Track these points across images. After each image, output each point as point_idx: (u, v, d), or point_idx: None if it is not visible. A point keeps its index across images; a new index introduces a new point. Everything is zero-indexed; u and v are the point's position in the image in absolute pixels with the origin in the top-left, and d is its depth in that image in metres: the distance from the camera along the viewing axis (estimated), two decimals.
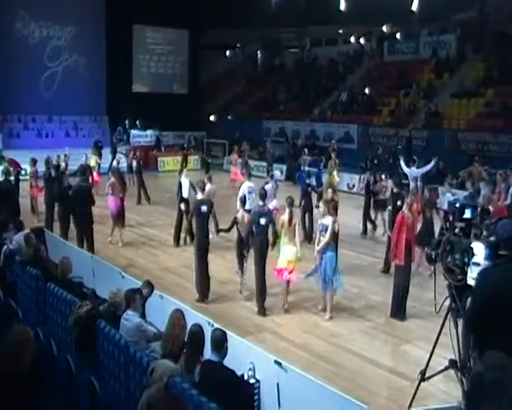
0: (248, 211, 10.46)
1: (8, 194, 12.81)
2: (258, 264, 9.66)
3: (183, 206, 13.46)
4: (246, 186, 12.82)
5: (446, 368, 5.68)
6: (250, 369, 5.83)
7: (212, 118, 35.05)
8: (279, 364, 5.84)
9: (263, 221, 9.62)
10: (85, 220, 11.95)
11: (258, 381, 5.95)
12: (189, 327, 5.59)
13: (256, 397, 5.93)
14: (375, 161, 20.61)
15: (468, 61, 26.45)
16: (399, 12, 28.32)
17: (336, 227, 9.70)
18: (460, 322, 5.55)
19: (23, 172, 17.18)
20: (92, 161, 19.48)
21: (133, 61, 31.97)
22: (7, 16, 26.46)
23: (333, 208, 10.32)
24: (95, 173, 18.78)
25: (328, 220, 9.49)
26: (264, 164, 25.47)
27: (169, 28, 32.78)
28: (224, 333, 5.30)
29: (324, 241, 9.39)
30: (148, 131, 28.78)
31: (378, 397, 7.06)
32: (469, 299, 5.15)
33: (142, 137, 29.02)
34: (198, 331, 5.43)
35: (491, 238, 4.93)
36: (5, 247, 8.67)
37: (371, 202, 14.92)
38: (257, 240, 9.67)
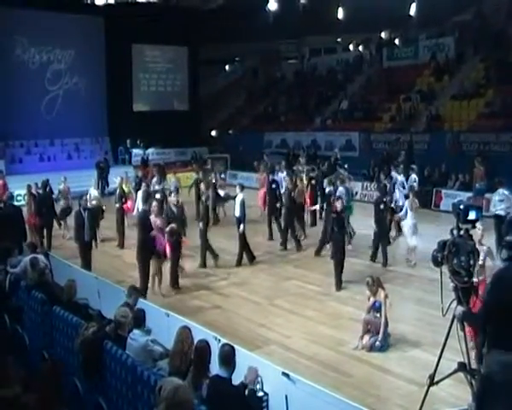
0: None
1: (13, 219, 12.79)
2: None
3: (241, 227, 13.29)
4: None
5: (455, 371, 5.63)
6: (258, 382, 5.79)
7: (213, 133, 35.15)
8: (287, 375, 5.81)
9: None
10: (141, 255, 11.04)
11: (266, 394, 5.92)
12: (195, 343, 5.59)
13: None
14: (376, 169, 20.60)
15: (467, 62, 26.46)
16: (397, 18, 28.40)
17: (388, 303, 8.70)
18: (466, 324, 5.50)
19: (19, 197, 17.15)
20: (125, 187, 16.97)
21: (133, 81, 32.11)
22: (7, 43, 26.64)
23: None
24: (129, 202, 16.04)
25: (380, 297, 8.64)
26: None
27: (167, 46, 32.99)
28: (233, 349, 5.28)
29: (382, 330, 8.54)
30: (150, 150, 28.83)
31: (387, 404, 7.01)
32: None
33: (141, 155, 28.98)
34: (204, 347, 5.42)
35: (508, 237, 4.85)
36: (10, 272, 8.70)
37: None
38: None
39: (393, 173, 16.79)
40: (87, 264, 11.54)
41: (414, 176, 17.07)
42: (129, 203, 15.88)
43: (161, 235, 11.15)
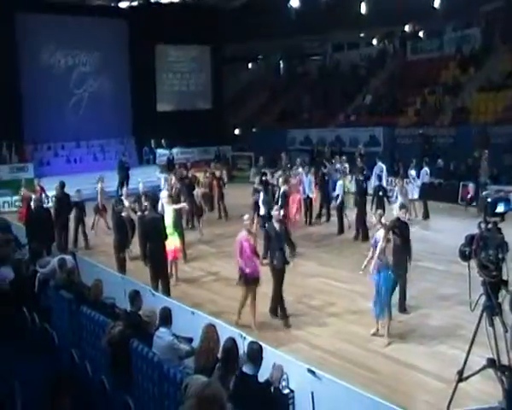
0: None
1: (42, 221, 12.99)
2: None
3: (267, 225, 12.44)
4: None
5: (484, 367, 5.53)
6: (283, 379, 5.77)
7: (236, 131, 35.18)
8: (312, 372, 5.77)
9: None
10: (160, 257, 10.58)
11: (292, 391, 5.89)
12: (222, 341, 5.57)
13: (291, 408, 5.87)
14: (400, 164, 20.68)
15: (494, 53, 25.98)
16: (421, 10, 27.99)
17: (384, 241, 8.79)
18: (496, 320, 5.41)
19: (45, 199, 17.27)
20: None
21: (157, 81, 32.35)
22: (34, 48, 27.18)
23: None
24: None
25: (380, 234, 8.87)
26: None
27: (190, 45, 33.13)
28: (261, 347, 5.29)
29: (369, 257, 8.94)
30: (174, 150, 28.96)
31: (415, 401, 6.95)
32: None
33: (167, 155, 29.11)
34: (232, 347, 5.40)
35: None
36: (39, 273, 8.85)
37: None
38: None
39: (379, 163, 18.75)
40: (121, 267, 11.52)
41: (426, 169, 18.37)
42: None
43: (255, 256, 9.42)
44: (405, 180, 17.52)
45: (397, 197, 15.39)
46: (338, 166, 19.32)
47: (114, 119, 28.87)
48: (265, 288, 9.56)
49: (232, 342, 5.42)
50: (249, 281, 9.20)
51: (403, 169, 19.10)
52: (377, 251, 8.76)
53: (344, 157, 20.36)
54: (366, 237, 14.21)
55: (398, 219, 9.88)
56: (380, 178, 17.53)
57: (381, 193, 15.23)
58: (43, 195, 16.39)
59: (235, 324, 8.80)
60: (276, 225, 9.72)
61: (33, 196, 14.32)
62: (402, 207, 10.54)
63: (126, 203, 13.40)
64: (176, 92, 33.45)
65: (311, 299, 10.81)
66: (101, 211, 16.55)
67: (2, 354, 6.40)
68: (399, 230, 9.68)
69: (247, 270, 9.16)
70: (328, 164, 19.57)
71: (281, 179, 15.82)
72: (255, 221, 13.73)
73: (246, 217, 9.70)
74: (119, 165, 23.92)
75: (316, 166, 19.60)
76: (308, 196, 17.11)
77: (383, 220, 9.21)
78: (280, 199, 14.62)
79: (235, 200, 19.14)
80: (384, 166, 18.87)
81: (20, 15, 26.16)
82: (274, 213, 10.01)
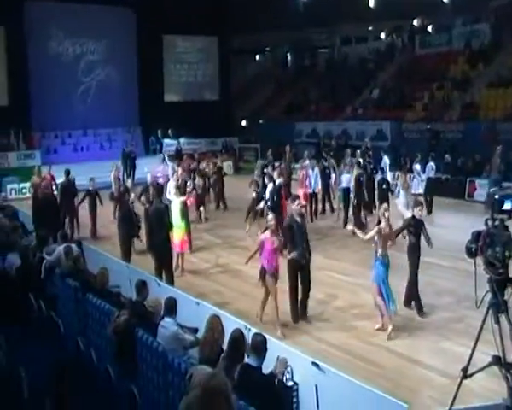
0: None
1: (49, 208, 13.06)
2: None
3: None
4: None
5: (489, 364, 5.52)
6: (288, 372, 5.79)
7: (243, 123, 35.13)
8: (317, 365, 5.78)
9: None
10: (164, 248, 10.72)
11: (296, 383, 5.91)
12: (227, 332, 5.59)
13: (294, 400, 5.90)
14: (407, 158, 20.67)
15: (503, 48, 25.82)
16: (430, 4, 27.87)
17: (374, 233, 8.84)
18: (501, 317, 5.40)
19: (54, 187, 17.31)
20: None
21: (164, 71, 32.39)
22: (42, 36, 27.32)
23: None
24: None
25: (381, 226, 9.07)
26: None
27: (198, 36, 33.09)
28: (265, 339, 5.29)
29: (362, 237, 9.39)
30: (181, 140, 28.95)
31: (419, 396, 6.94)
32: None
33: (174, 145, 29.13)
34: (240, 337, 5.41)
35: None
36: (45, 260, 8.89)
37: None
38: None
39: (385, 158, 18.93)
40: (127, 256, 11.73)
41: (432, 164, 18.17)
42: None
43: (276, 255, 9.13)
44: (410, 175, 17.49)
45: (399, 192, 15.33)
46: (348, 159, 19.20)
47: (121, 108, 28.95)
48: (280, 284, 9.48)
49: (239, 333, 5.42)
50: (271, 278, 9.02)
51: (409, 164, 19.07)
52: (367, 236, 9.13)
53: (358, 151, 20.00)
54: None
55: (413, 216, 9.63)
56: (383, 171, 17.53)
57: (384, 186, 15.40)
58: (53, 182, 16.44)
59: (282, 336, 8.51)
60: (298, 219, 9.38)
61: (42, 184, 14.36)
62: (418, 204, 10.00)
63: (132, 194, 13.40)
64: (183, 83, 33.46)
65: (316, 292, 10.73)
66: (117, 199, 16.53)
67: (9, 340, 6.44)
68: (414, 228, 9.51)
69: (267, 267, 8.99)
70: (328, 157, 19.59)
71: (275, 172, 15.62)
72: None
73: (269, 217, 9.35)
74: (122, 154, 23.97)
75: (317, 159, 19.57)
76: (314, 191, 16.99)
77: (387, 214, 9.22)
78: (275, 192, 14.30)
79: (240, 191, 19.13)
80: (388, 161, 18.94)
81: (28, 4, 26.28)
82: (295, 207, 9.54)
